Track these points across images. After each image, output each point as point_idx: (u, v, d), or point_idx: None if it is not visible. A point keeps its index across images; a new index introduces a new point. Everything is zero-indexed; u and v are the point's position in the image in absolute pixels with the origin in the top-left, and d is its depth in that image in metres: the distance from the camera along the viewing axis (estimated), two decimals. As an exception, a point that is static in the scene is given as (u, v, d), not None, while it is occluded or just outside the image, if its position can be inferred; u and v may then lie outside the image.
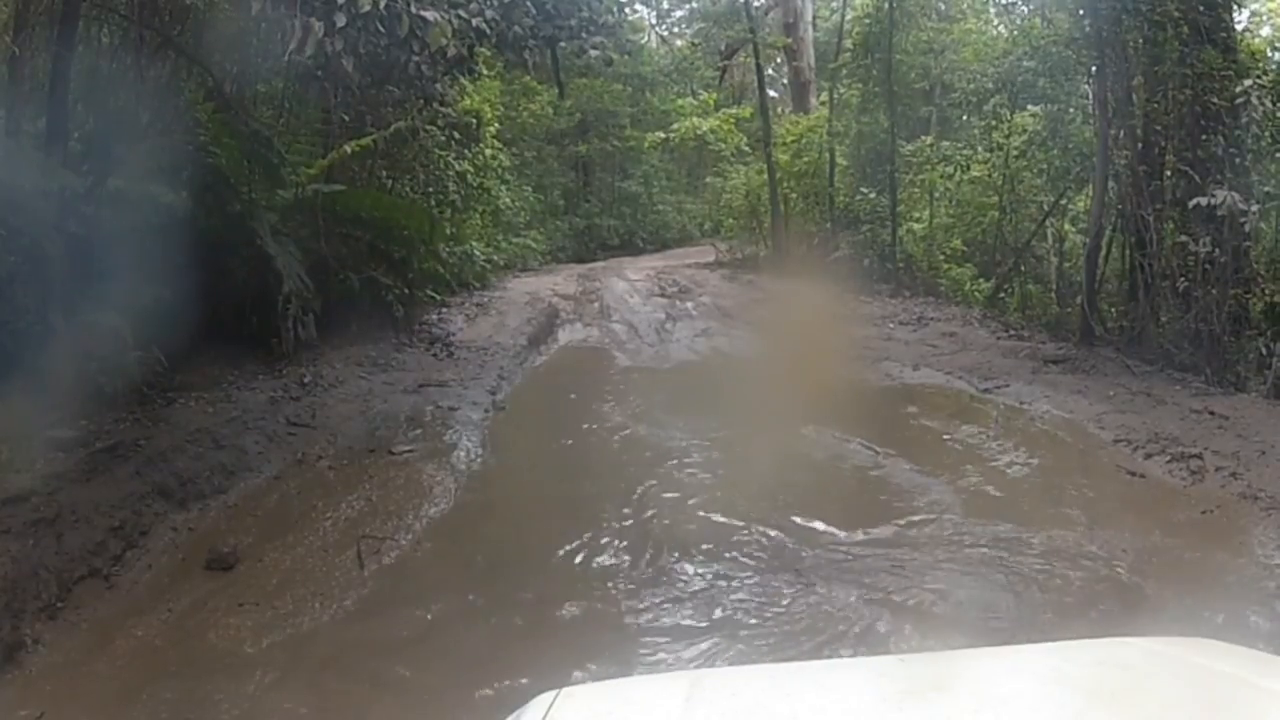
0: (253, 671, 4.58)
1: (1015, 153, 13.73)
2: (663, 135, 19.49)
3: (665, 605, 5.20)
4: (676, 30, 28.86)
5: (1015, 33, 14.43)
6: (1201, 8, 9.99)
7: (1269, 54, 12.17)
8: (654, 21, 28.39)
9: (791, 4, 20.57)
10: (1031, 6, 14.92)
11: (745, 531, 6.04)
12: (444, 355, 10.38)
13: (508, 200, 16.70)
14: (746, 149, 18.79)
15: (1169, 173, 10.42)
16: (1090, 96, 11.81)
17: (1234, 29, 10.96)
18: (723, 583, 5.44)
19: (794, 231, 17.16)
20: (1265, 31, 13.64)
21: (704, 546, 5.86)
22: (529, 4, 7.52)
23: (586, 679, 1.67)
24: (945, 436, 8.04)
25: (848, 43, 17.10)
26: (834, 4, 22.22)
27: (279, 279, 8.94)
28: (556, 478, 7.27)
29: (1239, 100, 9.46)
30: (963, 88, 14.32)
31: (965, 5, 18.95)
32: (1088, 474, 7.10)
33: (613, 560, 5.75)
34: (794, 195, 17.33)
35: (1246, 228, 9.19)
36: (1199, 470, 6.77)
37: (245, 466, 6.86)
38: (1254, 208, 9.00)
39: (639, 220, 22.84)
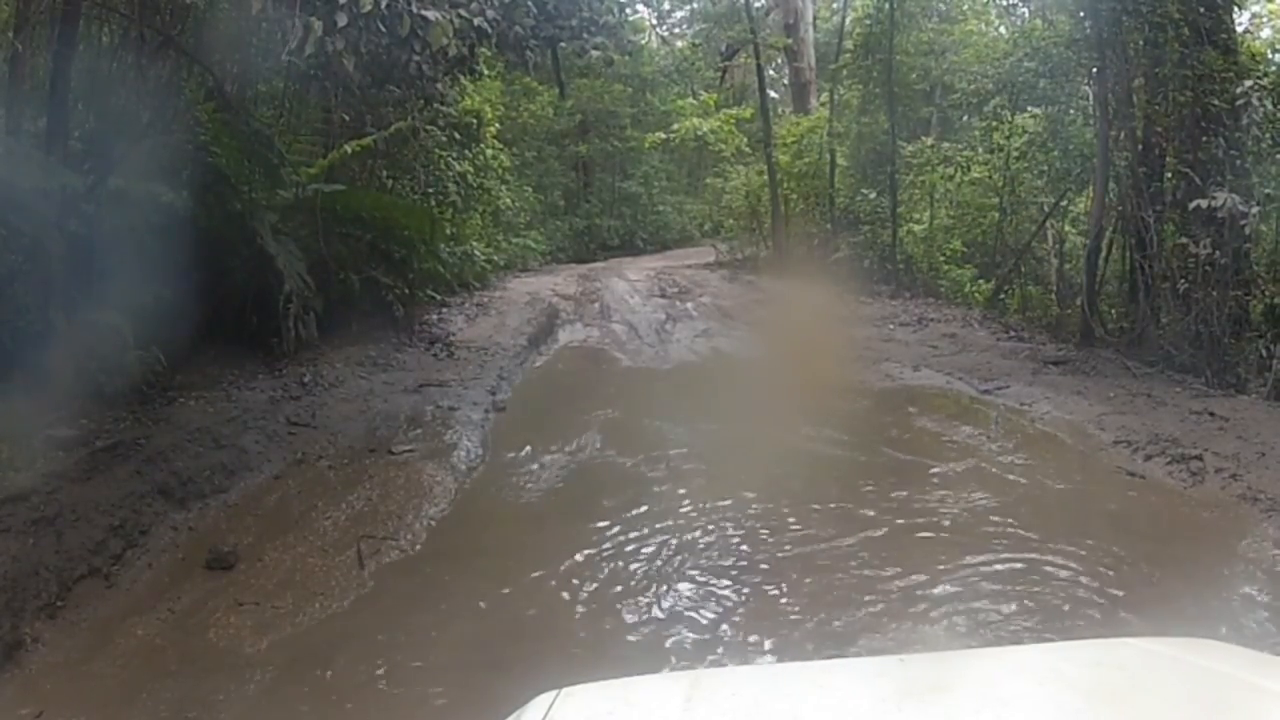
0: (253, 671, 4.58)
1: (1016, 154, 13.74)
2: (663, 136, 19.49)
3: (665, 605, 5.20)
4: (677, 31, 28.92)
5: (1016, 34, 14.46)
6: (1202, 9, 9.99)
7: (1269, 56, 12.19)
8: (655, 22, 28.45)
9: (792, 5, 20.57)
10: (1032, 8, 14.97)
11: (743, 531, 6.04)
12: (444, 355, 10.38)
13: (508, 200, 16.71)
14: (747, 150, 18.80)
15: (1169, 174, 10.43)
16: (1091, 98, 11.82)
17: (1234, 31, 10.97)
18: (717, 580, 5.44)
19: (794, 232, 17.17)
20: (1266, 33, 13.67)
21: (702, 545, 5.87)
22: (530, 4, 7.52)
23: (587, 679, 1.67)
24: (945, 438, 8.04)
25: (848, 44, 17.12)
26: (835, 5, 22.25)
27: (279, 278, 8.95)
28: (556, 478, 7.27)
29: (1239, 102, 9.46)
30: (963, 89, 14.32)
31: (966, 6, 18.96)
32: (1088, 475, 7.10)
33: (612, 559, 5.74)
34: (794, 196, 17.33)
35: (1247, 229, 9.20)
36: (1199, 472, 6.77)
37: (245, 466, 6.86)
38: (1254, 209, 9.00)
39: (639, 221, 22.85)
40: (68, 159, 7.63)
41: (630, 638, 4.92)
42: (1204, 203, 8.91)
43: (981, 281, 14.25)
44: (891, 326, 12.41)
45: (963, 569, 5.46)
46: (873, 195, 15.62)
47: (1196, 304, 9.45)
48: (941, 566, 5.46)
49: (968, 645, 4.48)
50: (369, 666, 4.62)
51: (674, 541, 5.93)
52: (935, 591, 5.20)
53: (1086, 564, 5.47)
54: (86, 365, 7.02)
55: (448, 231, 13.05)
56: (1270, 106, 9.53)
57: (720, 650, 4.78)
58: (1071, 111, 12.50)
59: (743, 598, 5.30)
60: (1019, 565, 5.47)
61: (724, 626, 5.00)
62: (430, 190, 12.75)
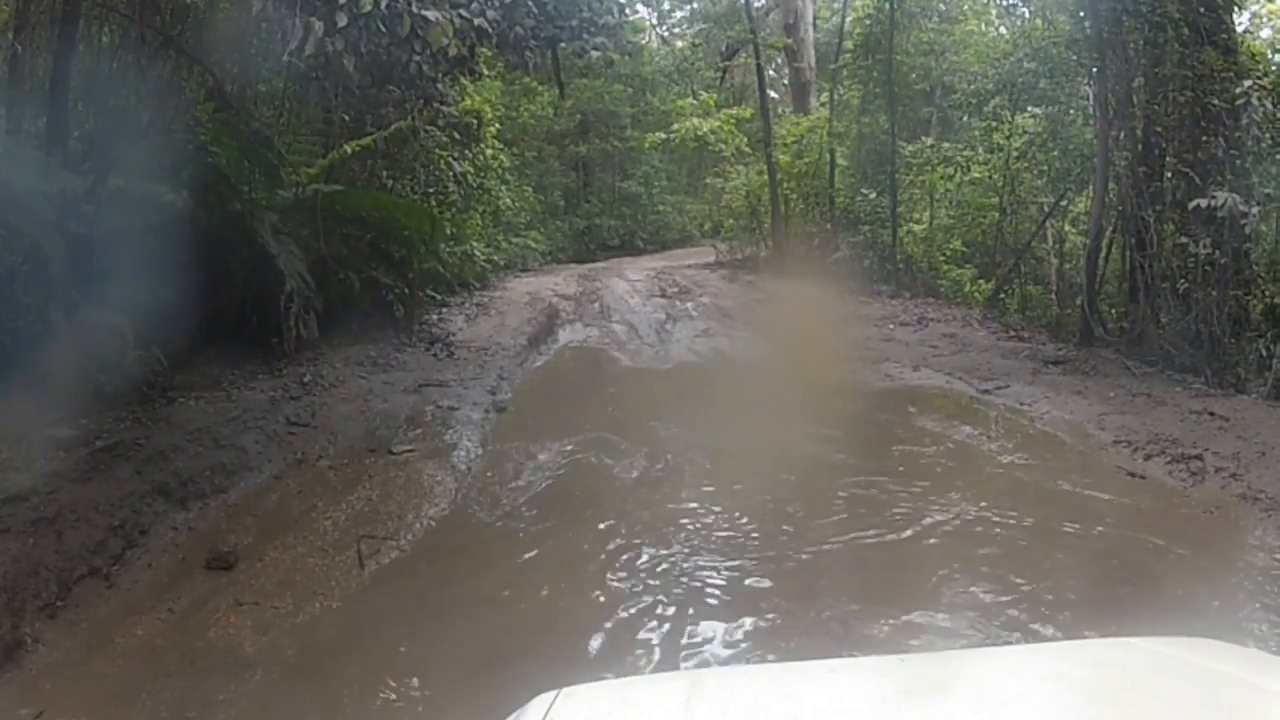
0: (253, 671, 4.58)
1: (1016, 154, 13.74)
2: (663, 136, 19.48)
3: (666, 604, 5.20)
4: (677, 31, 28.91)
5: (1016, 34, 14.46)
6: (1202, 9, 10.00)
7: (1269, 55, 12.20)
8: (655, 22, 28.45)
9: (792, 5, 20.57)
10: (1032, 8, 14.96)
11: (744, 531, 6.04)
12: (444, 355, 10.38)
13: (508, 200, 16.71)
14: (747, 150, 18.79)
15: (1169, 174, 10.42)
16: (1091, 98, 11.82)
17: (1234, 30, 10.97)
18: (719, 580, 5.44)
19: (794, 232, 17.17)
20: (1265, 33, 13.70)
21: (703, 545, 5.87)
22: (530, 4, 7.52)
23: (587, 678, 1.67)
24: (945, 438, 8.04)
25: (848, 44, 17.11)
26: (835, 5, 22.22)
27: (280, 278, 8.94)
28: (556, 478, 7.26)
29: (1239, 102, 9.47)
30: (963, 89, 14.33)
31: (966, 6, 18.97)
32: (1088, 475, 7.10)
33: (613, 559, 5.74)
34: (794, 196, 17.33)
35: (1247, 229, 9.20)
36: (1199, 471, 6.77)
37: (245, 466, 6.86)
38: (1254, 209, 9.01)
39: (639, 221, 22.86)
40: (68, 159, 7.63)
41: (630, 636, 4.92)
42: (1204, 203, 8.92)
43: (981, 281, 14.25)
44: (891, 326, 12.42)
45: (962, 569, 5.46)
46: (873, 195, 15.63)
47: (1196, 304, 9.45)
48: (942, 566, 5.47)
49: (968, 645, 4.49)
50: (369, 666, 4.62)
51: (674, 541, 5.93)
52: (936, 592, 5.20)
53: (1087, 564, 5.47)
54: (86, 365, 7.02)
55: (448, 231, 13.05)
56: (1270, 106, 9.53)
57: (723, 650, 4.78)
58: (1071, 111, 12.50)
59: (745, 598, 5.30)
60: (1018, 565, 5.47)
61: (726, 626, 4.99)
62: (430, 190, 12.75)
